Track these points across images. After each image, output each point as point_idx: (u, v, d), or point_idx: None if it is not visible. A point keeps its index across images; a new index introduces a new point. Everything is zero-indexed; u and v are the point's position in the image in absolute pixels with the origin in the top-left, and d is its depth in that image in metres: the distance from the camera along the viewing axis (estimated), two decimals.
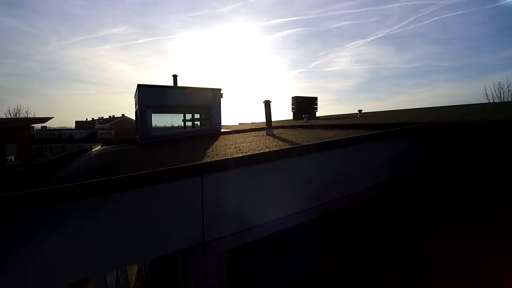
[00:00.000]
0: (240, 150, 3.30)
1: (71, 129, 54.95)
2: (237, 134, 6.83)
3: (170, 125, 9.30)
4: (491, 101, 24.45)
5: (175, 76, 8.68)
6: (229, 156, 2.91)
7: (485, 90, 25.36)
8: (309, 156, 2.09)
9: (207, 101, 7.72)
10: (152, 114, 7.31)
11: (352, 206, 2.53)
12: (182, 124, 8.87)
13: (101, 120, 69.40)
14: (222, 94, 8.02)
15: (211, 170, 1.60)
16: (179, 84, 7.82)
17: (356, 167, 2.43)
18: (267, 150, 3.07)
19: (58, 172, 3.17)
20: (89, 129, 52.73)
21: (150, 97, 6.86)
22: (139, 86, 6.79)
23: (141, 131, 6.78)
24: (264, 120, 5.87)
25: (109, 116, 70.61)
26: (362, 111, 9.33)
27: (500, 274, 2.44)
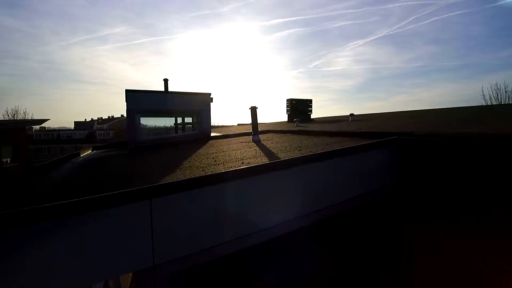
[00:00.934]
0: (216, 161, 3.29)
1: (70, 130, 54.97)
2: (225, 139, 6.81)
3: (163, 125, 9.27)
4: (488, 102, 24.36)
5: (166, 80, 8.65)
6: (202, 168, 2.90)
7: (482, 91, 25.19)
8: (266, 175, 2.06)
9: (196, 106, 7.70)
10: (141, 118, 7.31)
11: (329, 218, 2.52)
12: (174, 124, 8.87)
13: (100, 121, 69.43)
14: (212, 98, 8.01)
15: (160, 194, 1.59)
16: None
17: (330, 180, 2.41)
18: (240, 162, 3.06)
19: (37, 182, 3.17)
20: (87, 130, 52.74)
21: (138, 102, 6.84)
22: (127, 91, 6.77)
23: (130, 136, 6.76)
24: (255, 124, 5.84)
25: (108, 117, 70.63)
26: (353, 115, 9.33)
27: (478, 266, 2.45)
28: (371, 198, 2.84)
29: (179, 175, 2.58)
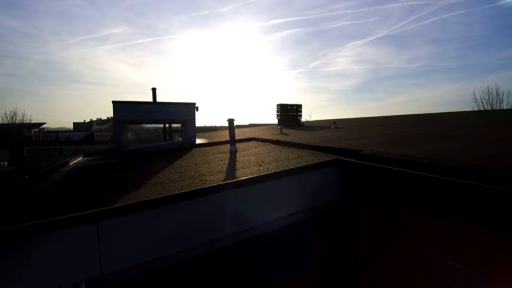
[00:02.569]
0: (181, 177, 3.63)
1: (68, 131, 55.35)
2: (207, 148, 7.15)
3: (153, 127, 9.56)
4: (480, 106, 24.66)
5: (154, 90, 9.00)
6: (163, 185, 3.24)
7: (474, 95, 25.50)
8: (197, 200, 2.41)
9: (181, 116, 8.04)
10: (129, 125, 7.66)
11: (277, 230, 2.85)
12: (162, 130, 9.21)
13: (99, 122, 69.74)
14: (197, 108, 8.34)
15: (106, 217, 1.94)
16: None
17: (270, 200, 2.75)
18: (199, 179, 3.39)
19: (18, 196, 3.51)
20: (86, 131, 53.10)
21: (124, 112, 7.18)
22: (113, 102, 7.11)
23: (116, 145, 7.10)
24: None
25: (107, 117, 70.90)
26: (335, 122, 9.68)
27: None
28: (318, 211, 3.18)
29: (139, 193, 2.92)
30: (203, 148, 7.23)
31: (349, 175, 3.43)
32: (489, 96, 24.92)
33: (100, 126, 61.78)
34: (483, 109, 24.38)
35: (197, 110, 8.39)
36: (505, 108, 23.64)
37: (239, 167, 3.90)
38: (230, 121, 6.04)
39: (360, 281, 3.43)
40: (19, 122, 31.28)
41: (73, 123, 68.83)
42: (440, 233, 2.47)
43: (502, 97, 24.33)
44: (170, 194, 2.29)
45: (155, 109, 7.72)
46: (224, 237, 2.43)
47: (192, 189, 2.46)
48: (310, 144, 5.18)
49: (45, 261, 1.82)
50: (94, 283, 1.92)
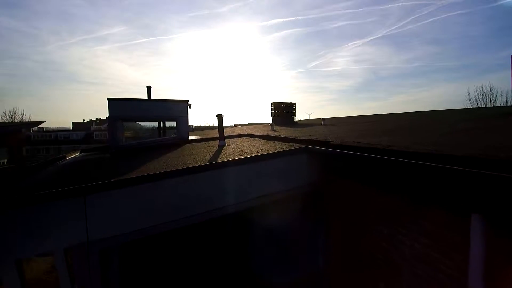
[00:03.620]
0: (167, 165, 3.94)
1: (67, 131, 55.62)
2: (198, 143, 7.47)
3: (148, 124, 9.88)
4: (474, 104, 25.10)
5: (149, 88, 9.33)
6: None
7: (468, 93, 25.96)
8: (187, 177, 2.72)
9: (175, 113, 8.35)
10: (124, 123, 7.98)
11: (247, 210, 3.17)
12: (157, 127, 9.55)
13: (98, 121, 69.96)
14: (190, 105, 8.65)
15: (93, 191, 2.25)
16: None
17: (243, 182, 3.07)
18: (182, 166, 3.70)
19: (14, 183, 3.82)
20: (85, 131, 53.40)
21: (119, 110, 7.48)
22: (109, 99, 7.41)
23: (111, 141, 7.40)
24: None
25: (107, 117, 71.04)
26: (325, 120, 10.02)
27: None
28: (287, 195, 3.50)
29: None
30: (194, 143, 7.56)
31: (316, 161, 3.74)
32: (483, 95, 25.33)
33: (99, 126, 62.05)
34: (476, 107, 24.80)
35: (190, 107, 8.70)
36: (498, 105, 24.09)
37: (221, 158, 4.21)
38: (219, 116, 6.35)
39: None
40: (18, 121, 31.53)
41: (72, 122, 69.02)
42: (392, 210, 2.79)
43: (496, 95, 24.73)
44: (148, 174, 2.61)
45: (149, 106, 8.03)
46: (194, 215, 2.75)
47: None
48: (293, 137, 5.50)
49: (40, 229, 2.13)
50: (81, 249, 2.24)
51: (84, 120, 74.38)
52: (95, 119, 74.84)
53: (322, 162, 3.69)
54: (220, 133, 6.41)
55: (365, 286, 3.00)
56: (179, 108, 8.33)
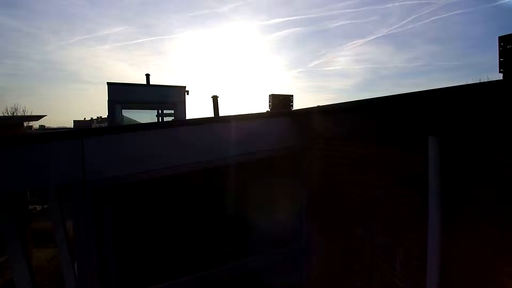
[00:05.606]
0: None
1: (68, 129, 55.94)
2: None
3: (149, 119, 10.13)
4: None
5: (147, 75, 9.55)
6: None
7: None
8: (183, 128, 2.96)
9: (173, 98, 8.56)
10: (124, 110, 8.21)
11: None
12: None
13: (99, 120, 70.24)
14: (187, 91, 8.88)
15: (89, 134, 2.49)
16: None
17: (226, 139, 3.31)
18: None
19: None
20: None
21: (119, 94, 7.70)
22: (108, 84, 7.64)
23: (110, 125, 7.64)
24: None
25: (107, 116, 71.30)
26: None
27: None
28: (273, 153, 3.75)
29: None
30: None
31: (301, 125, 3.98)
32: None
33: (100, 124, 62.32)
34: None
35: (187, 93, 8.92)
36: None
37: None
38: (214, 98, 6.58)
39: None
40: (20, 115, 31.79)
41: (73, 121, 69.33)
42: (366, 157, 2.96)
43: None
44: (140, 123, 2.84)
45: (147, 91, 8.25)
46: (181, 165, 2.98)
47: None
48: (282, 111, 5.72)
49: (41, 165, 2.38)
50: (78, 187, 2.48)
51: (85, 118, 74.71)
52: (96, 117, 75.18)
53: (307, 126, 3.89)
54: (215, 115, 6.63)
55: (345, 231, 3.19)
56: (177, 93, 8.54)
